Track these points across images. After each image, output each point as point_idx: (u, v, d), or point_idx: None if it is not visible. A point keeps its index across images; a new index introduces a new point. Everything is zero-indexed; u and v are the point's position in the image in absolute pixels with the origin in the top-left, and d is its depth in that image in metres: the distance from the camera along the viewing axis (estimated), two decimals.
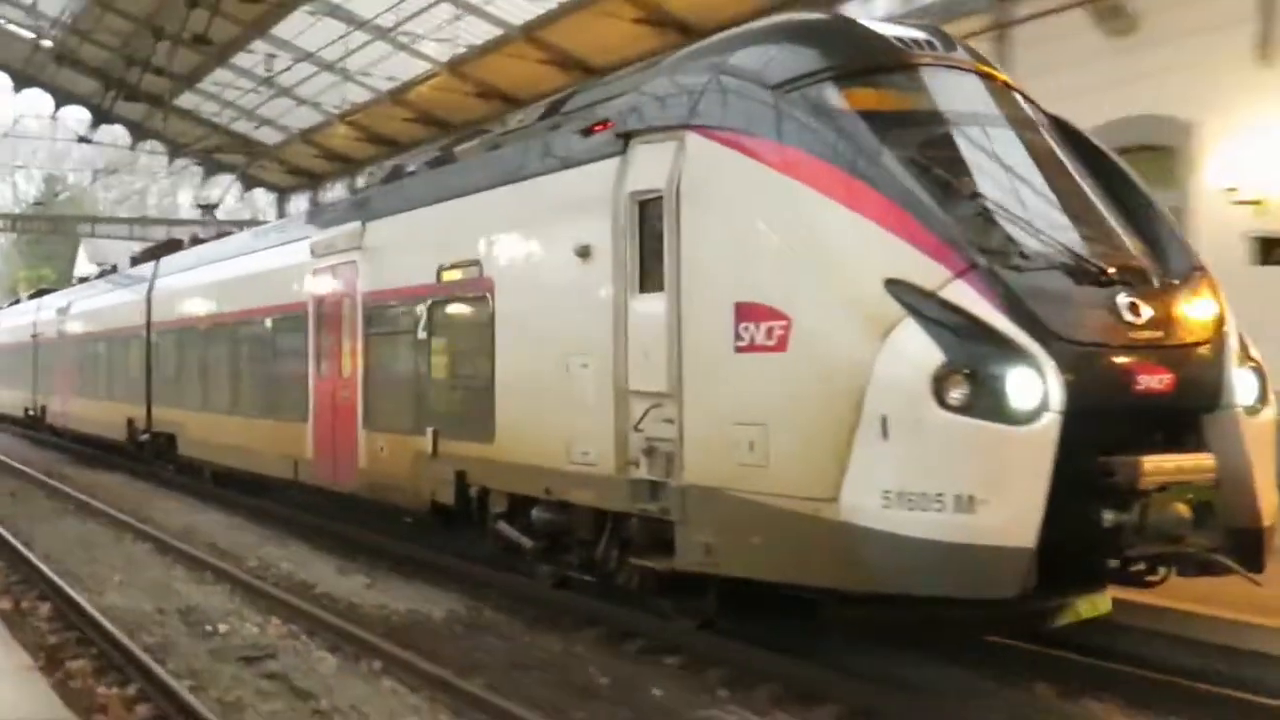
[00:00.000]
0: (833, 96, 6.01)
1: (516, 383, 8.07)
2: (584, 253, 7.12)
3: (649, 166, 6.59)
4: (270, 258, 12.99)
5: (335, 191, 29.21)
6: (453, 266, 8.95)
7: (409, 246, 9.81)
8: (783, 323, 5.63)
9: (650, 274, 6.58)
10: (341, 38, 20.34)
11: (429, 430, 9.09)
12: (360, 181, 24.27)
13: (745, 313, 5.81)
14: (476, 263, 8.58)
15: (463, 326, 9.19)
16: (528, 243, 8.09)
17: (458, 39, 20.34)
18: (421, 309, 9.43)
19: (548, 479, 7.57)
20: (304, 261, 11.76)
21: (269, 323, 12.84)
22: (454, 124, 22.16)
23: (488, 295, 8.38)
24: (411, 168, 11.13)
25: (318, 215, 13.82)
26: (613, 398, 6.82)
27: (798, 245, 5.76)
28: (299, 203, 31.48)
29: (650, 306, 6.53)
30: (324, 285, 11.32)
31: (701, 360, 6.14)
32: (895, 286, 5.30)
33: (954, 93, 6.35)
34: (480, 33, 20.22)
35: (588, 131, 7.37)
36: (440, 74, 21.41)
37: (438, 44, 20.88)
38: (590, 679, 6.58)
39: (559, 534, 7.81)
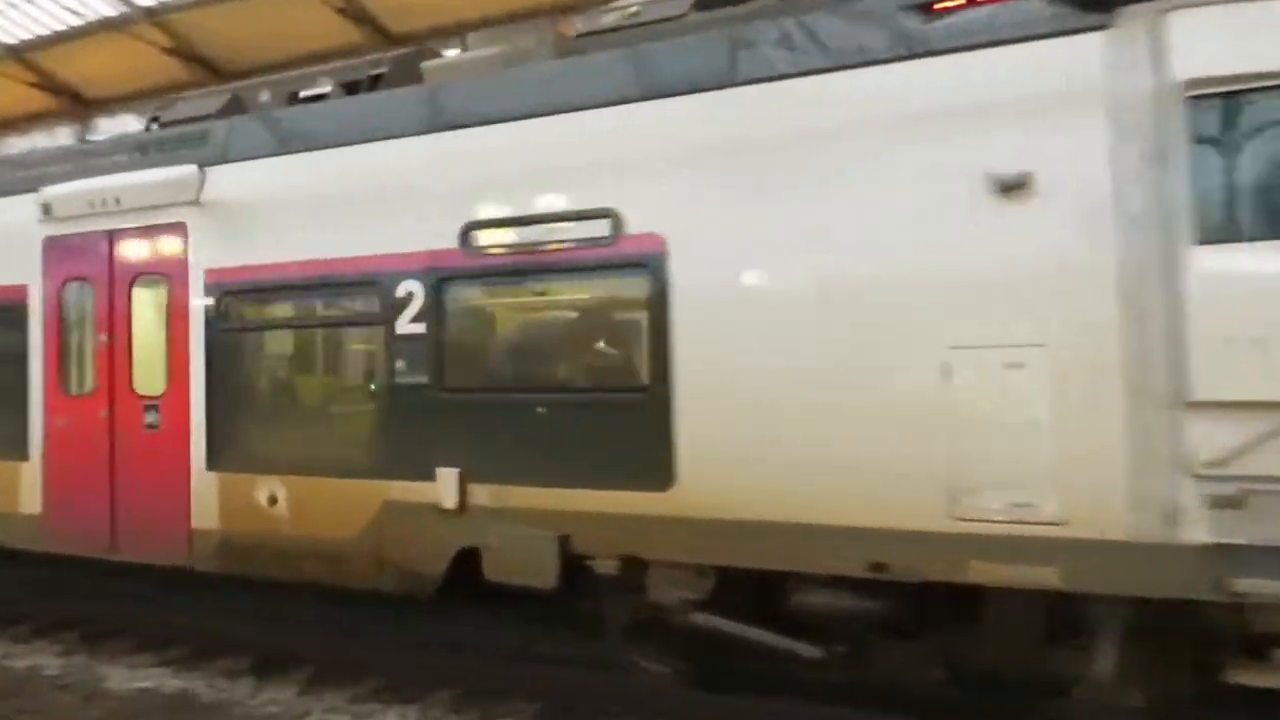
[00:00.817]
0: None
1: (744, 394, 5.29)
2: (1018, 184, 4.61)
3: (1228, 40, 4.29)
4: None
5: None
6: (517, 223, 6.11)
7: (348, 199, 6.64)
8: None
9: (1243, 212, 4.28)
10: None
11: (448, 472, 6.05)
12: None
13: None
14: (612, 214, 5.75)
15: (561, 311, 6.44)
16: (804, 179, 5.27)
17: None
18: (412, 288, 6.29)
19: (876, 546, 4.89)
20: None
21: None
22: None
23: (652, 261, 5.58)
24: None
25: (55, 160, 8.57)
26: (1126, 414, 4.42)
27: None
28: None
29: (1251, 264, 4.17)
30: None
31: None
32: None
33: None
34: None
35: None
36: None
37: None
38: None
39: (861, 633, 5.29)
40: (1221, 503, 4.12)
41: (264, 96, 7.88)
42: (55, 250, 7.91)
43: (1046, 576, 4.53)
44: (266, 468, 6.87)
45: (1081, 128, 4.49)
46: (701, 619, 5.53)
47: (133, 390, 7.51)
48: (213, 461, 7.05)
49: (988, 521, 4.61)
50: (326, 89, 7.59)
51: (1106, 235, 4.43)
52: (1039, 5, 4.69)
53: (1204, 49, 4.36)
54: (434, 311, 6.23)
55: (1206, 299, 4.22)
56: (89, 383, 7.80)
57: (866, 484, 4.89)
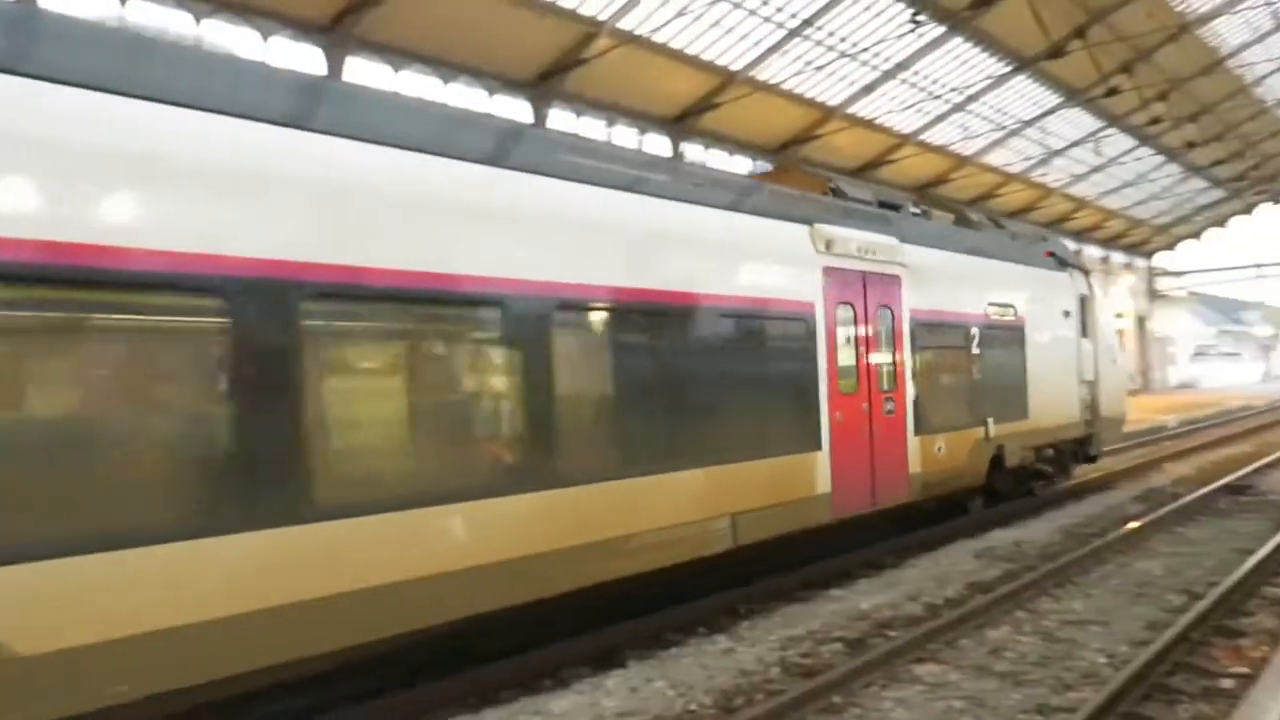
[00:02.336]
0: None
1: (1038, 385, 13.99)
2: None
3: None
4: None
5: None
6: (996, 305, 13.17)
7: (957, 279, 12.45)
8: None
9: None
10: None
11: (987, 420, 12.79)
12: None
13: None
14: (1013, 307, 13.58)
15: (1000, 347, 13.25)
16: (1046, 308, 14.52)
17: None
18: (975, 332, 12.63)
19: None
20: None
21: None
22: None
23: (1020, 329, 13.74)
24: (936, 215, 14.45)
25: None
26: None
27: None
28: None
29: None
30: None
31: None
32: None
33: None
34: None
35: None
36: None
37: None
38: None
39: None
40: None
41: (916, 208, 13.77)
42: (832, 278, 9.98)
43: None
44: (942, 428, 11.76)
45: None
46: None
47: (880, 389, 10.69)
48: (917, 430, 11.21)
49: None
50: (974, 218, 15.24)
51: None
52: None
53: None
54: (992, 345, 12.95)
55: None
56: (855, 384, 10.30)
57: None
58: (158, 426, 5.23)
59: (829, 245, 9.99)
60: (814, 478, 9.55)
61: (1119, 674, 6.67)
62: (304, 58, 18.01)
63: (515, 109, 21.45)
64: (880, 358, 10.70)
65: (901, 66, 26.76)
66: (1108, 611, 8.69)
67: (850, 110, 28.18)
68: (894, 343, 10.87)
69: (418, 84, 19.74)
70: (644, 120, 24.63)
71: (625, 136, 24.19)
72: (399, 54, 19.51)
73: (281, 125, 5.85)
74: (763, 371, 9.20)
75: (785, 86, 25.84)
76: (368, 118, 6.45)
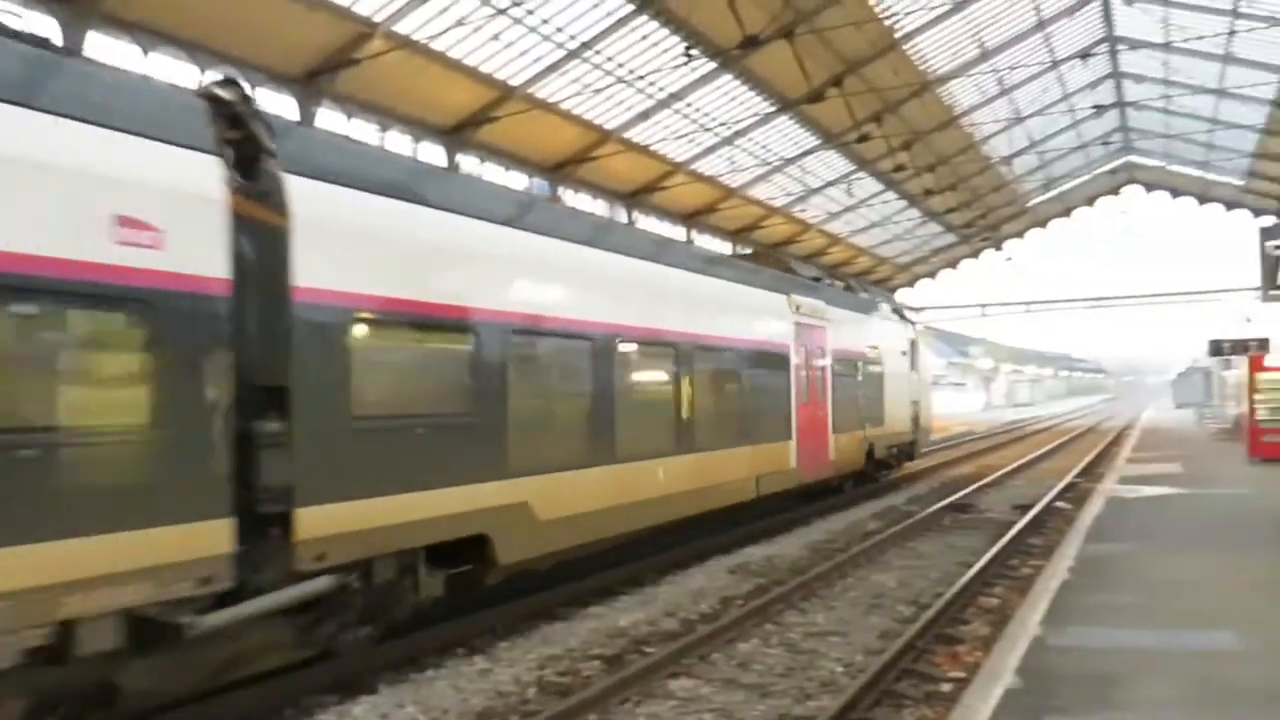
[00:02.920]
0: None
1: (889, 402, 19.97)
2: None
3: None
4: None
5: None
6: (870, 345, 19.60)
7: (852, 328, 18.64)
8: None
9: None
10: None
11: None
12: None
13: None
14: (878, 347, 19.86)
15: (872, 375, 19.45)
16: (893, 348, 20.77)
17: None
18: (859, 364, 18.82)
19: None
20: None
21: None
22: None
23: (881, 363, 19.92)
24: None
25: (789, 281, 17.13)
26: None
27: None
28: None
29: None
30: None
31: None
32: None
33: None
34: None
35: None
36: None
37: None
38: None
39: None
40: None
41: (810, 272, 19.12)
42: (800, 330, 15.78)
43: None
44: (845, 430, 17.52)
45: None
46: None
47: (817, 401, 16.34)
48: (834, 430, 16.92)
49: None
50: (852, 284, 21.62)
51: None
52: None
53: None
54: (868, 373, 19.29)
55: None
56: (812, 399, 16.15)
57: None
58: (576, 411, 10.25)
59: (797, 308, 15.76)
60: (790, 456, 15.14)
61: (854, 682, 7.08)
62: (38, 25, 16.21)
63: (280, 104, 20.34)
64: (817, 381, 16.35)
65: (675, 97, 27.66)
66: (846, 623, 9.23)
67: (626, 135, 28.82)
68: (823, 371, 16.66)
69: (169, 68, 18.29)
70: (420, 128, 24.07)
71: (399, 144, 23.53)
72: (149, 33, 18.01)
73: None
74: (767, 387, 14.51)
75: (564, 106, 26.07)
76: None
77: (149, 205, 5.80)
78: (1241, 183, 48.79)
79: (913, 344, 22.46)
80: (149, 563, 5.63)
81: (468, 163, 25.32)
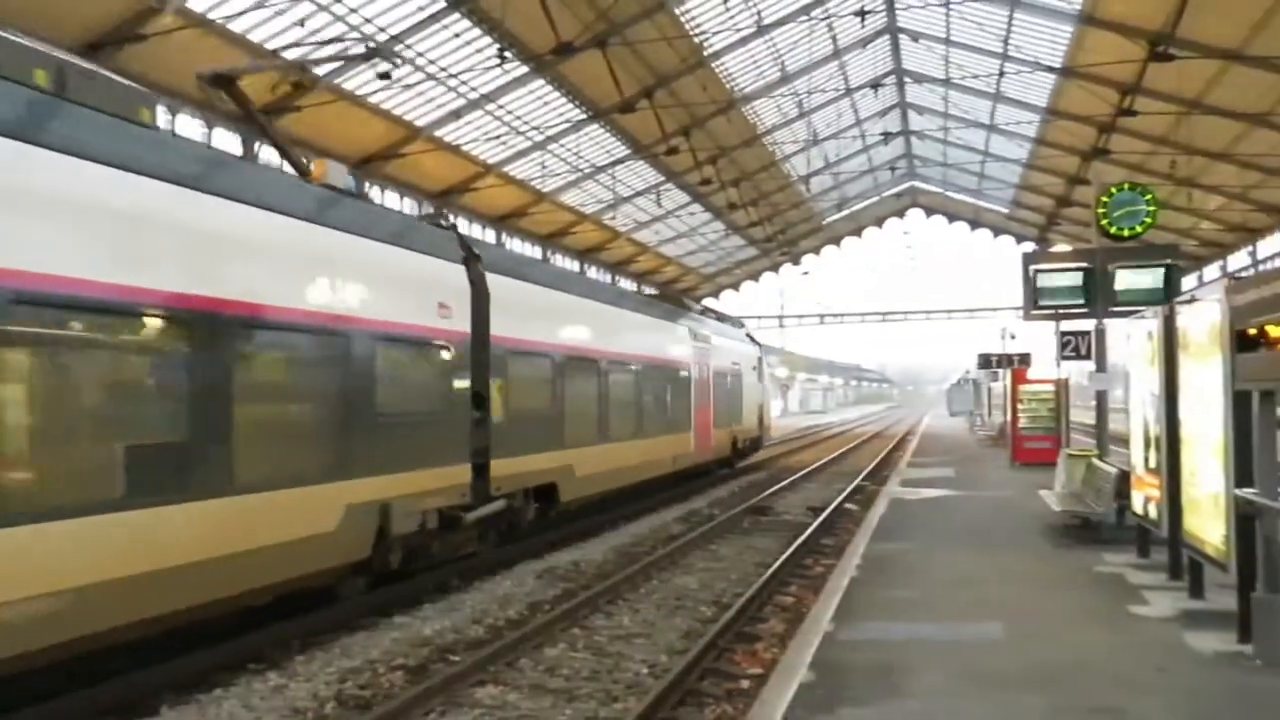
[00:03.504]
0: None
1: (746, 405, 26.79)
2: None
3: None
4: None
5: None
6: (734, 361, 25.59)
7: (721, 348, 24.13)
8: None
9: None
10: None
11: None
12: None
13: None
14: (739, 363, 26.22)
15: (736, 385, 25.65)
16: (748, 364, 27.68)
17: None
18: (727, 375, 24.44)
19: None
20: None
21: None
22: None
23: (741, 375, 26.44)
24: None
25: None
26: None
27: None
28: None
29: None
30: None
31: None
32: None
33: None
34: None
35: None
36: None
37: None
38: None
39: None
40: None
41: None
42: (695, 351, 21.13)
43: None
44: (720, 425, 23.49)
45: None
46: None
47: (705, 403, 22.08)
48: (715, 425, 22.65)
49: None
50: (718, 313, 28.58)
51: None
52: None
53: None
54: (735, 383, 25.71)
55: None
56: (701, 402, 21.62)
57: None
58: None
59: (693, 335, 21.22)
60: (691, 443, 20.49)
61: (658, 683, 7.23)
62: None
63: None
64: (705, 389, 21.72)
65: (488, 98, 27.42)
66: (651, 625, 9.43)
67: (437, 133, 28.29)
68: (708, 382, 21.93)
69: None
70: (214, 112, 22.72)
71: (191, 127, 22.10)
72: None
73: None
74: (679, 392, 19.94)
75: (373, 100, 25.30)
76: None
77: (448, 295, 10.84)
78: (1007, 211, 53.49)
79: (760, 361, 29.42)
80: (445, 484, 10.53)
81: (267, 152, 24.12)
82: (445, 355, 10.72)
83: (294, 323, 8.20)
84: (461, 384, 11.07)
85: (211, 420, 7.31)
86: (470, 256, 11.67)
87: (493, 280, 11.89)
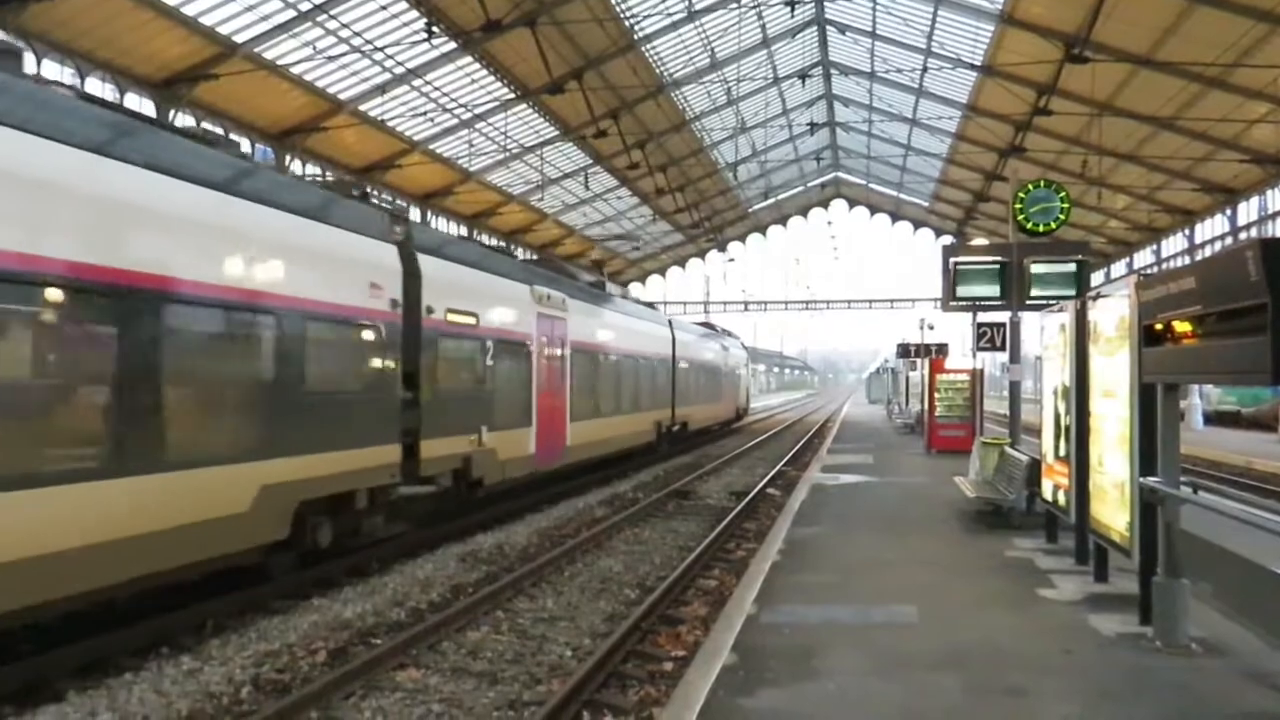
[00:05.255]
0: None
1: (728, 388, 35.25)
2: None
3: None
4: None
5: None
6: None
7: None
8: None
9: None
10: None
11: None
12: None
13: None
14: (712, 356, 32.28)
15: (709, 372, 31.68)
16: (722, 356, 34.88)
17: None
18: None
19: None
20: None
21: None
22: None
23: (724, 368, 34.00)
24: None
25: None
26: None
27: None
28: None
29: None
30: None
31: None
32: None
33: None
34: None
35: None
36: None
37: None
38: None
39: None
40: None
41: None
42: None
43: None
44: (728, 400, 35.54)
45: None
46: None
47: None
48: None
49: None
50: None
51: None
52: None
53: None
54: (700, 371, 30.49)
55: None
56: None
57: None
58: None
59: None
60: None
61: (582, 665, 7.25)
62: None
63: None
64: (701, 375, 28.36)
65: (414, 73, 26.94)
66: (575, 607, 9.44)
67: (361, 107, 27.70)
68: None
69: None
70: (125, 77, 21.85)
71: (103, 93, 21.22)
72: None
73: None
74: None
75: (294, 70, 24.64)
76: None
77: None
78: (928, 205, 54.67)
79: (748, 360, 40.76)
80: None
81: (183, 121, 23.30)
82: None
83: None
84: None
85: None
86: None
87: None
